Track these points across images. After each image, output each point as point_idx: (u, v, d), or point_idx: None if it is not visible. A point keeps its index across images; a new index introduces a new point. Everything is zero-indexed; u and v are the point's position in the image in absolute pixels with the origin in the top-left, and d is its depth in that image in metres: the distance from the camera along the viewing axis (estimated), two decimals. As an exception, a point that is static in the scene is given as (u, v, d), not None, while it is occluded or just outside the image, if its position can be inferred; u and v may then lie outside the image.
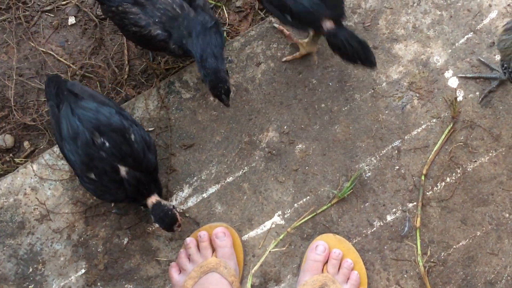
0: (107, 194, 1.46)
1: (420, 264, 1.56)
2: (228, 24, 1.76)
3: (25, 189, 1.63)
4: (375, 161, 1.61)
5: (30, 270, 1.61)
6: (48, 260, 1.61)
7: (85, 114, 1.41)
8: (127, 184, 1.43)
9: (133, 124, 1.47)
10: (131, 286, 1.59)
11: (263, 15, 1.75)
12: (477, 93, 1.62)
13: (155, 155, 1.50)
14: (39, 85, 1.72)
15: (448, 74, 1.64)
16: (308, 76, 1.66)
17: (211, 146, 1.64)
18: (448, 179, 1.59)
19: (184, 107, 1.66)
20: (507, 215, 1.57)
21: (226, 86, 1.42)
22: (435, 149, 1.60)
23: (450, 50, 1.65)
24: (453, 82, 1.63)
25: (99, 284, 1.59)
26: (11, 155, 1.69)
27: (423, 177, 1.59)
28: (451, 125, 1.61)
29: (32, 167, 1.64)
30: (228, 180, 1.63)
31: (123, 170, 1.43)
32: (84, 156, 1.40)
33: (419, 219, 1.58)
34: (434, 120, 1.62)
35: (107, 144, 1.41)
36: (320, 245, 1.54)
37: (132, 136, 1.44)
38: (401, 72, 1.65)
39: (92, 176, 1.42)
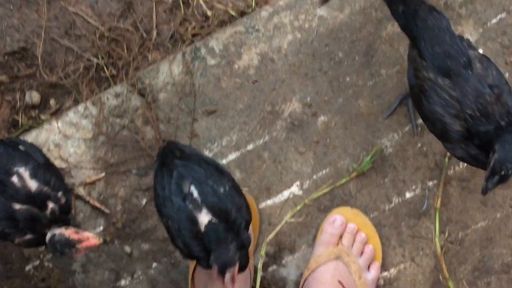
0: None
1: (437, 245, 1.55)
2: (257, -7, 1.76)
3: (49, 145, 1.66)
4: (397, 138, 1.60)
5: (50, 225, 1.64)
6: (68, 216, 1.64)
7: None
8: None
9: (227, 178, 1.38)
10: (147, 246, 1.62)
11: (293, -14, 1.74)
12: (507, 74, 1.59)
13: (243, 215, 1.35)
14: (68, 45, 1.74)
15: (477, 53, 1.61)
16: (335, 49, 1.65)
17: (233, 113, 1.65)
18: (470, 159, 1.58)
19: (209, 74, 1.67)
20: (529, 198, 1.55)
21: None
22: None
23: (481, 30, 1.62)
24: (482, 62, 1.61)
25: (116, 242, 1.62)
26: (37, 111, 1.72)
27: (446, 159, 1.57)
28: (478, 106, 1.58)
29: (56, 124, 1.67)
30: (249, 148, 1.63)
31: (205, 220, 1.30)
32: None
33: (439, 200, 1.56)
34: (460, 99, 1.59)
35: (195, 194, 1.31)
36: (338, 219, 1.54)
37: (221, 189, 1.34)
38: (429, 49, 1.63)
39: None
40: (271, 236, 1.58)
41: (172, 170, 1.33)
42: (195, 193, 1.30)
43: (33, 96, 1.71)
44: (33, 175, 1.28)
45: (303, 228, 1.60)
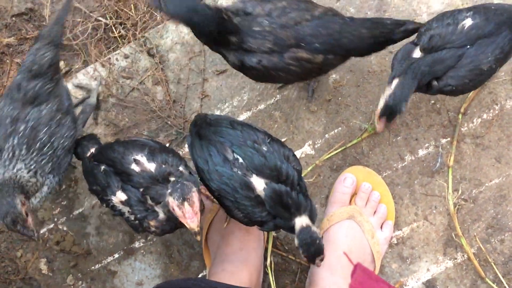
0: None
1: (450, 202, 1.53)
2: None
3: (59, 108, 1.65)
4: (410, 95, 1.58)
5: (64, 187, 1.65)
6: (81, 178, 1.64)
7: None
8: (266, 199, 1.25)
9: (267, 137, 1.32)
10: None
11: None
12: (522, 28, 1.55)
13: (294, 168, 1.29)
14: (75, 4, 1.72)
15: (493, 7, 1.57)
16: (346, 5, 1.62)
17: (244, 72, 1.63)
18: (484, 116, 1.55)
19: (218, 33, 1.64)
20: (544, 155, 1.53)
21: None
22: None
23: (496, -18, 1.58)
24: (498, 16, 1.57)
25: (129, 203, 1.62)
26: (46, 74, 1.71)
27: (460, 116, 1.55)
28: (492, 62, 1.55)
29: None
30: (260, 108, 1.62)
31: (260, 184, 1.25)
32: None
33: (452, 157, 1.55)
34: (474, 55, 1.56)
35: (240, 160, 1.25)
36: (348, 178, 1.54)
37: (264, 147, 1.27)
38: (443, 3, 1.59)
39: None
40: (283, 195, 1.58)
41: (209, 140, 1.27)
42: (240, 159, 1.24)
43: (42, 59, 1.70)
44: (150, 158, 1.30)
45: (315, 188, 1.59)
